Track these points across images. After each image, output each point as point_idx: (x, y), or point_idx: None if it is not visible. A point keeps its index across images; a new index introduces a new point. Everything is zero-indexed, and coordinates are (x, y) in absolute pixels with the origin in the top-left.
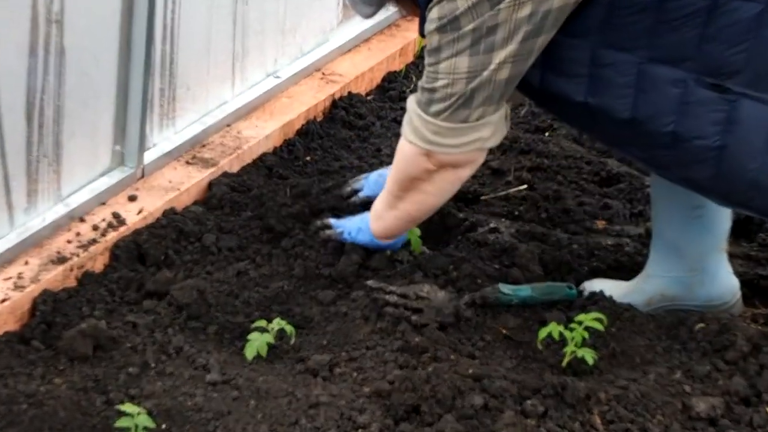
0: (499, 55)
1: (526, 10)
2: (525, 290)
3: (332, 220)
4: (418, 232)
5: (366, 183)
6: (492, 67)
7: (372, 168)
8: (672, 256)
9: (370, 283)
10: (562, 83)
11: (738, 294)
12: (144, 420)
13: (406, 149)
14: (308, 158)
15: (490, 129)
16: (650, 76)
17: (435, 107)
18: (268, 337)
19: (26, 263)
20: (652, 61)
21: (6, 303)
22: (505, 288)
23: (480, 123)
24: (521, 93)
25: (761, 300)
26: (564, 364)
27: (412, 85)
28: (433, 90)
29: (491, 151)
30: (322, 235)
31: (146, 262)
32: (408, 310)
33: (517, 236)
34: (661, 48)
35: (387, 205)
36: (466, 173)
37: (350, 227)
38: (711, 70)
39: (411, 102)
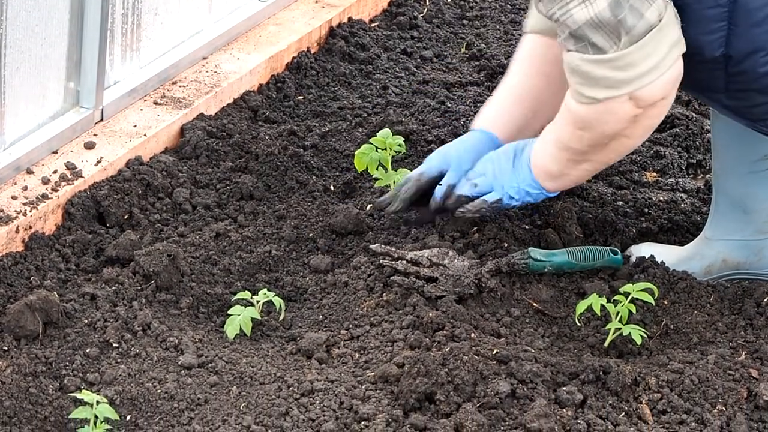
0: None
1: None
2: (560, 255)
3: (464, 189)
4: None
5: (433, 166)
6: None
7: (375, 110)
8: (736, 215)
9: (374, 247)
10: None
11: None
12: (105, 410)
13: (603, 109)
14: (300, 98)
15: (675, 28)
16: (744, 5)
17: (608, 40)
18: (253, 312)
19: None
20: None
21: None
22: (537, 253)
23: (663, 23)
24: None
25: None
26: (607, 343)
27: (426, 10)
28: (576, 25)
29: None
30: (459, 213)
31: (106, 222)
32: (420, 280)
33: None
34: None
35: (571, 162)
36: (672, 97)
37: (506, 189)
38: None
39: (573, 58)
